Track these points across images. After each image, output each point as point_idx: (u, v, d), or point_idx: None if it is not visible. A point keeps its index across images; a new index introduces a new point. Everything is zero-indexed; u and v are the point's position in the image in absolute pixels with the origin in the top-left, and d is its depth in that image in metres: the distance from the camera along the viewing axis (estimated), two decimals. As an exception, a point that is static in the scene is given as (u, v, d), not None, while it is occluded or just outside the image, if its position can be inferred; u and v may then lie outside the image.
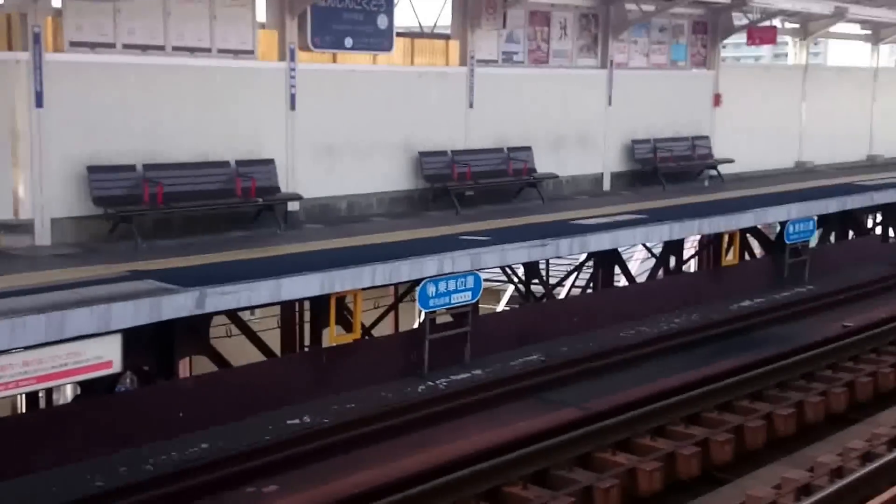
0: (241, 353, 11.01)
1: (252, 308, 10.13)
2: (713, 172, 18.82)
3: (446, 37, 15.10)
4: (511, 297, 19.59)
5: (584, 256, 15.85)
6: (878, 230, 20.20)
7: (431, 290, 10.03)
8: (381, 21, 13.39)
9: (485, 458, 7.83)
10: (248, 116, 12.33)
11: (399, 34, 14.20)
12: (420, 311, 10.56)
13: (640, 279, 18.07)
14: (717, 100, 19.16)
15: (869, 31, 23.51)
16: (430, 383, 9.94)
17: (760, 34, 18.77)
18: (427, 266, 10.16)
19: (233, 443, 8.30)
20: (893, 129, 23.92)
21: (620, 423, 8.74)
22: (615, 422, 8.74)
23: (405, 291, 12.94)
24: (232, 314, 10.38)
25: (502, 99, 15.37)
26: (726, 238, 14.60)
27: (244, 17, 12.46)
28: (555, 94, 16.31)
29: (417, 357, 10.20)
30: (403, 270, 10.07)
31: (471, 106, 14.87)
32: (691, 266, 19.02)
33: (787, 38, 22.90)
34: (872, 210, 19.14)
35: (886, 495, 6.73)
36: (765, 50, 45.48)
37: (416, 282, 10.25)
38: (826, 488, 7.22)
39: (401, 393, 9.63)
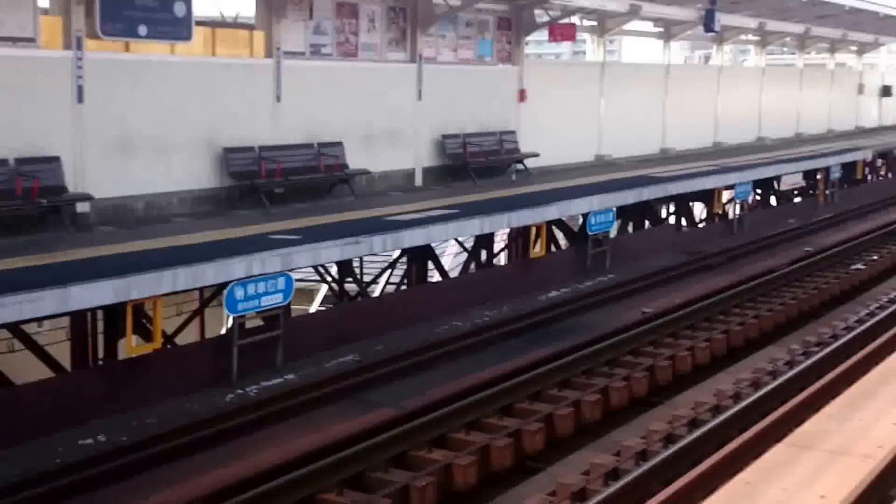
0: (30, 369, 10.11)
1: (37, 320, 9.28)
2: (520, 167, 19.28)
3: (250, 27, 14.56)
4: (325, 296, 19.26)
5: (397, 253, 15.75)
6: (672, 219, 21.46)
7: (239, 293, 9.58)
8: (179, 8, 12.69)
9: (299, 466, 7.57)
10: (30, 110, 11.34)
11: (199, 23, 13.53)
12: (228, 316, 10.06)
13: (454, 274, 18.23)
14: (521, 95, 19.63)
15: (661, 29, 24.86)
16: (240, 391, 9.50)
17: (561, 31, 19.41)
18: (234, 268, 9.70)
19: (15, 469, 7.55)
20: (684, 124, 25.48)
21: (435, 419, 8.72)
22: (430, 419, 8.70)
23: (211, 296, 12.35)
24: (14, 327, 9.48)
25: (311, 93, 15.00)
26: (533, 231, 14.93)
27: (23, 1, 11.45)
28: (365, 88, 16.13)
29: (226, 364, 9.72)
30: (208, 273, 9.56)
31: (278, 100, 14.42)
32: (502, 259, 19.42)
33: (586, 36, 23.80)
34: (666, 200, 20.25)
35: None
36: (565, 47, 47.41)
37: (224, 285, 9.76)
38: (632, 472, 7.46)
39: (208, 404, 9.13)
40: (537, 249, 15.25)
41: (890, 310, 13.13)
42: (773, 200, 25.08)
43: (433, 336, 11.99)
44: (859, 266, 17.11)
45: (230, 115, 13.72)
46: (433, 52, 17.67)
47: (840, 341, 11.41)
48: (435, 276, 16.44)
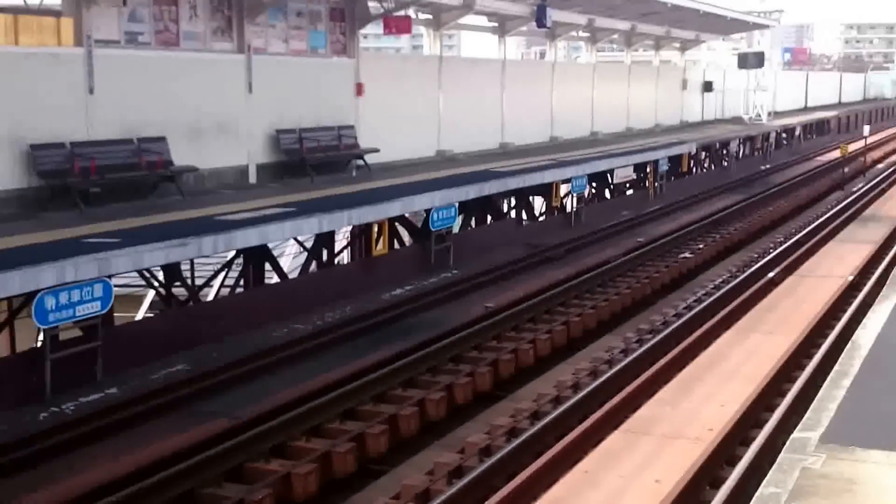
0: None
1: None
2: (360, 162, 18.96)
3: (57, 13, 13.47)
4: (153, 302, 18.22)
5: (232, 254, 15.09)
6: (514, 214, 21.72)
7: (50, 302, 8.80)
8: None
9: (122, 487, 6.99)
10: None
11: (-1, 9, 12.41)
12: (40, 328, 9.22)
13: (294, 274, 17.70)
14: (359, 89, 19.30)
15: (496, 24, 25.13)
16: (55, 409, 8.72)
17: (396, 24, 19.21)
18: (43, 276, 8.89)
19: None
20: (522, 119, 25.89)
21: (273, 427, 8.31)
22: (268, 427, 8.28)
23: (20, 306, 11.33)
24: None
25: (128, 84, 14.06)
26: (375, 228, 14.67)
27: None
28: (189, 79, 15.33)
29: (38, 380, 8.91)
30: (13, 282, 8.72)
31: (91, 92, 13.43)
32: (344, 258, 19.04)
33: (423, 29, 23.72)
34: (507, 195, 20.45)
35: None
36: (406, 41, 47.45)
37: (32, 295, 8.94)
38: (476, 469, 7.33)
39: (17, 424, 8.33)
40: (380, 247, 14.99)
41: (715, 296, 13.69)
42: (607, 193, 25.88)
43: (272, 340, 11.50)
44: (687, 254, 17.85)
45: (36, 108, 12.62)
46: (262, 42, 17.05)
47: (670, 328, 11.78)
48: (274, 278, 15.88)
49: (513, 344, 11.31)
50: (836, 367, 5.67)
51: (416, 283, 14.82)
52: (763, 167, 34.71)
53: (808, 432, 4.65)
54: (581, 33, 29.27)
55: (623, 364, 9.96)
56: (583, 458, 7.21)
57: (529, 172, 19.42)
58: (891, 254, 15.22)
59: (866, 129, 33.60)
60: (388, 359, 10.46)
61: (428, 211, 15.73)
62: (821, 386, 5.88)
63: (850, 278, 14.35)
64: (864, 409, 4.97)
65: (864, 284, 13.86)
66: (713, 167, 33.43)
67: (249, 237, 12.09)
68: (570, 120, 28.64)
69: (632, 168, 24.40)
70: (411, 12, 20.27)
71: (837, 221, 20.96)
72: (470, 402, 9.80)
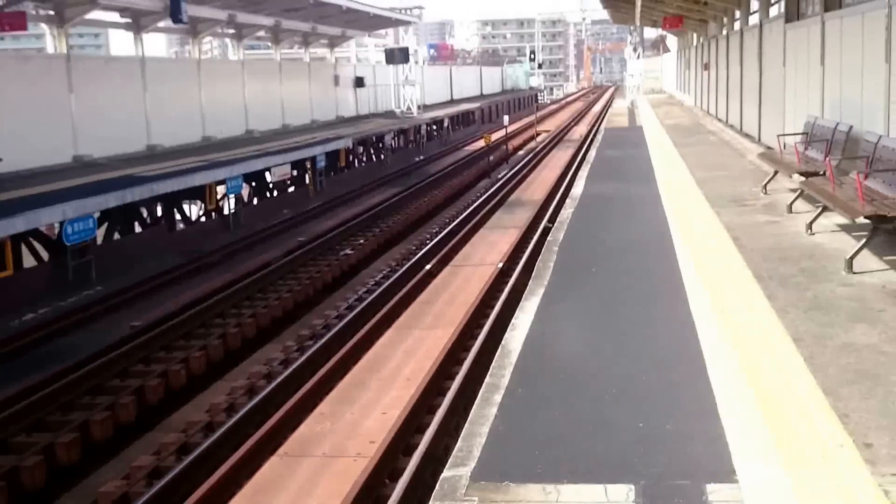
0: None
1: None
2: (-23, 173, 16.59)
3: None
4: None
5: None
6: (179, 220, 20.29)
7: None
8: None
9: None
10: None
11: None
12: None
13: None
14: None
15: (130, 20, 23.33)
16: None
17: (10, 20, 17.00)
18: None
19: None
20: (170, 119, 24.36)
21: None
22: None
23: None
24: None
25: None
26: (-4, 247, 12.79)
27: None
28: None
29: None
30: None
31: None
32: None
33: (44, 27, 21.38)
34: (156, 200, 19.01)
35: None
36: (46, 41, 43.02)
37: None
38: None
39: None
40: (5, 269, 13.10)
41: (376, 293, 13.59)
42: (271, 192, 25.20)
43: None
44: (348, 251, 17.70)
45: None
46: None
47: (332, 331, 11.42)
48: None
49: (162, 366, 10.29)
50: (487, 379, 5.46)
51: (52, 305, 13.18)
52: (417, 158, 35.98)
53: (458, 469, 4.22)
54: (227, 30, 28.18)
55: (282, 378, 9.39)
56: (236, 492, 6.53)
57: (178, 176, 18.17)
58: (534, 238, 16.11)
59: (506, 118, 35.97)
60: (9, 399, 9.01)
61: (62, 223, 14.06)
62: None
63: (500, 265, 14.96)
64: (516, 432, 4.62)
65: (514, 270, 14.52)
66: (371, 161, 34.00)
67: None
68: (223, 118, 27.52)
69: (289, 166, 23.90)
70: (30, 7, 18.05)
71: (486, 208, 22.02)
72: (111, 438, 8.69)
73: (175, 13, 20.60)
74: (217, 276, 15.23)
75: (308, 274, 15.57)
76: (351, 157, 32.81)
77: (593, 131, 39.05)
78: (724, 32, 26.26)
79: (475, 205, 22.85)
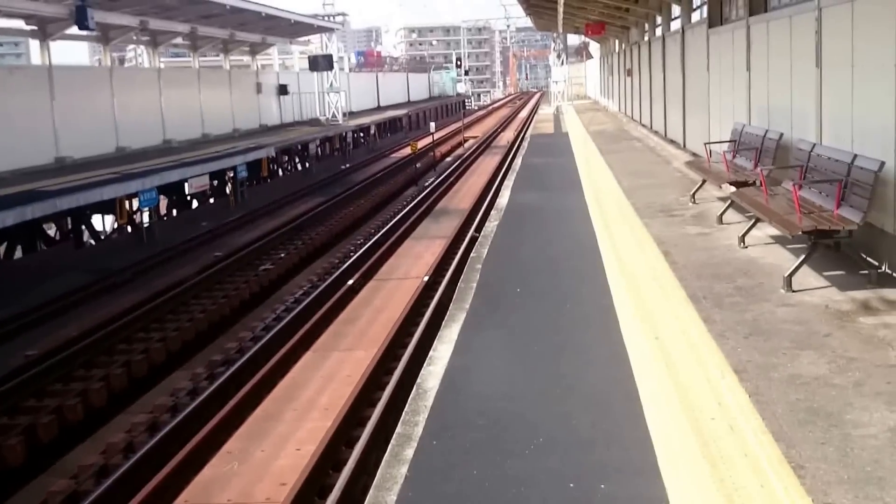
0: None
1: None
2: None
3: None
4: None
5: None
6: (94, 235, 19.20)
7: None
8: None
9: None
10: None
11: None
12: None
13: None
14: None
15: (35, 27, 22.11)
16: None
17: None
18: None
19: None
20: (81, 129, 23.22)
21: None
22: None
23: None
24: None
25: None
26: None
27: None
28: None
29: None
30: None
31: None
32: None
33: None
34: (61, 216, 17.95)
35: None
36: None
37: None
38: None
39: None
40: None
41: (295, 311, 12.92)
42: (189, 204, 24.20)
43: None
44: (268, 266, 16.95)
45: None
46: None
47: (246, 356, 10.72)
48: None
49: (57, 400, 9.45)
50: (398, 428, 4.85)
51: (-59, 335, 12.16)
52: (343, 167, 35.25)
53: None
54: (141, 37, 27.05)
55: (187, 411, 8.66)
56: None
57: (85, 189, 17.14)
58: (459, 252, 15.60)
59: (432, 125, 35.48)
60: None
61: (-48, 245, 13.03)
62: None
63: (426, 279, 14.41)
64: (429, 499, 4.05)
65: (440, 284, 13.98)
66: (295, 170, 33.15)
67: None
68: (139, 128, 26.38)
69: (207, 177, 22.97)
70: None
71: (413, 218, 21.47)
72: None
73: (81, 20, 19.54)
74: (125, 297, 14.33)
75: (224, 292, 14.79)
76: (274, 167, 31.95)
77: (520, 137, 38.85)
78: (647, 38, 26.25)
79: (401, 214, 22.28)
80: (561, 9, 26.13)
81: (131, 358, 11.13)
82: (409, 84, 70.15)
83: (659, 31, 23.93)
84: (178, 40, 29.89)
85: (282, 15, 29.60)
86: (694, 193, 12.02)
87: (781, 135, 9.95)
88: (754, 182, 9.63)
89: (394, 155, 40.38)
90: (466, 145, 43.50)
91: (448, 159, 39.61)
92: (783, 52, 10.44)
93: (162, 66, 29.54)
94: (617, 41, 37.38)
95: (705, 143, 12.27)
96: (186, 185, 22.15)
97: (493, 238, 10.57)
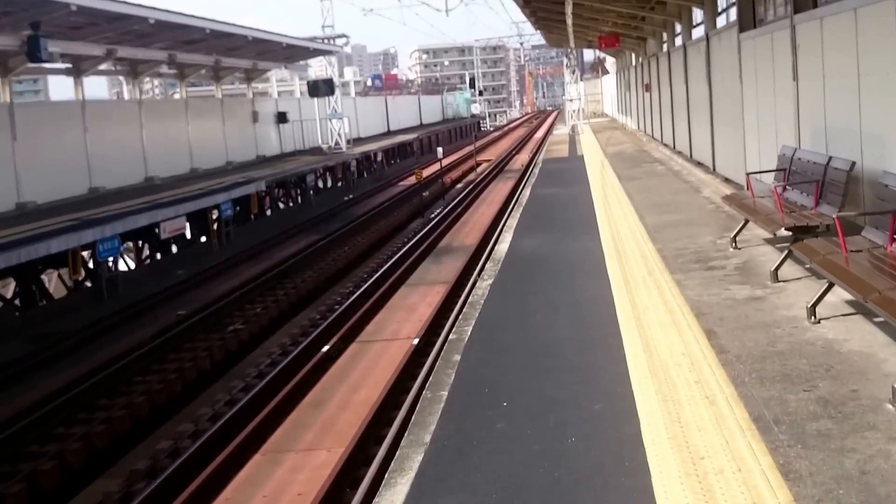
0: None
1: None
2: None
3: None
4: None
5: None
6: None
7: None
8: None
9: None
10: None
11: None
12: None
13: None
14: None
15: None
16: None
17: None
18: None
19: None
20: (50, 171, 21.28)
21: None
22: None
23: None
24: None
25: None
26: None
27: None
28: None
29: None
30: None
31: None
32: None
33: None
34: (4, 274, 15.82)
35: None
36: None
37: None
38: None
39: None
40: None
41: (253, 391, 10.65)
42: (166, 250, 22.07)
43: None
44: (238, 326, 14.69)
45: None
46: None
47: (176, 462, 8.45)
48: None
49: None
50: None
51: None
52: (346, 198, 33.12)
53: None
54: (118, 66, 25.07)
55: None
56: None
57: (28, 244, 14.99)
58: (456, 308, 13.21)
59: (440, 150, 33.25)
60: None
61: None
62: None
63: (415, 342, 12.10)
64: None
65: (431, 349, 11.66)
66: (293, 203, 31.02)
67: None
68: (116, 166, 24.37)
69: (184, 218, 20.82)
70: None
71: (412, 258, 19.20)
72: None
73: (33, 52, 17.55)
74: (59, 374, 12.11)
75: (179, 363, 12.55)
76: (270, 201, 29.83)
77: (535, 160, 36.58)
78: (665, 49, 23.91)
79: (400, 254, 20.02)
80: (570, 20, 23.87)
81: (39, 466, 8.90)
82: (420, 107, 68.13)
83: (679, 41, 21.58)
84: (164, 69, 27.92)
85: (273, 38, 27.53)
86: (735, 236, 9.63)
87: (853, 164, 7.56)
88: (827, 227, 7.27)
89: (402, 183, 38.18)
90: (479, 170, 41.22)
91: (459, 185, 37.37)
92: (847, 55, 8.09)
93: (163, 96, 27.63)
94: (633, 54, 35.05)
95: (748, 174, 9.85)
96: (160, 228, 19.99)
97: (482, 307, 8.24)
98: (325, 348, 12.30)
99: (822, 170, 7.95)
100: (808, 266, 7.54)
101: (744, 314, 6.78)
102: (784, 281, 7.61)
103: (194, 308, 15.88)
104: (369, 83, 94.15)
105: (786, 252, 7.65)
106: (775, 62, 10.85)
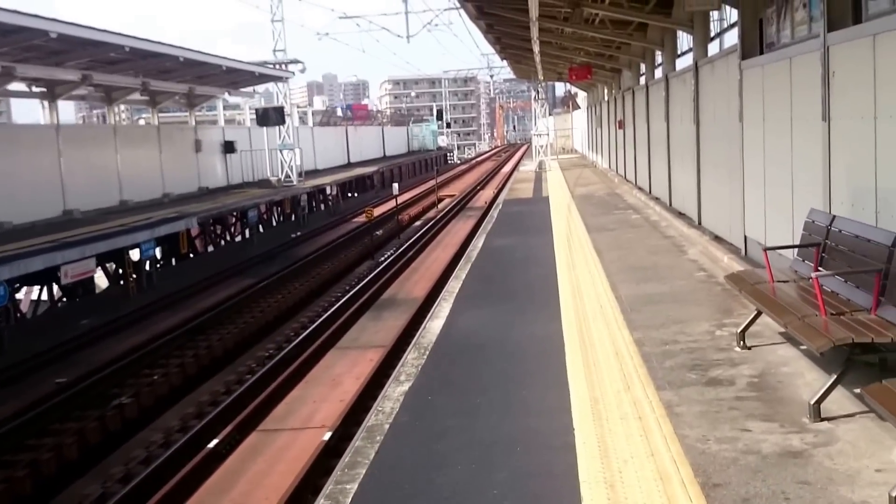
0: None
1: None
2: None
3: None
4: None
5: None
6: None
7: None
8: None
9: None
10: None
11: None
12: None
13: None
14: None
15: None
16: None
17: None
18: None
19: None
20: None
21: None
22: None
23: None
24: None
25: None
26: None
27: None
28: None
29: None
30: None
31: None
32: None
33: None
34: None
35: None
36: None
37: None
38: None
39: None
40: None
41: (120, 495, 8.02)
42: (71, 295, 19.28)
43: None
44: (125, 399, 12.01)
45: None
46: None
47: None
48: None
49: None
50: None
51: None
52: (294, 235, 30.50)
53: None
54: (34, 87, 22.38)
55: None
56: None
57: None
58: (388, 382, 10.68)
59: (395, 186, 30.76)
60: None
61: None
62: None
63: (327, 437, 9.54)
64: None
65: (347, 447, 9.09)
66: (233, 241, 28.35)
67: None
68: (29, 197, 21.64)
69: (93, 261, 18.08)
70: None
71: (349, 312, 16.65)
72: None
73: None
74: None
75: (34, 454, 9.91)
76: (206, 239, 27.15)
77: (498, 198, 34.23)
78: (643, 82, 21.70)
79: (337, 306, 17.44)
80: (537, 47, 21.58)
81: None
82: (384, 138, 65.73)
83: (660, 72, 19.34)
84: (90, 90, 25.24)
85: (210, 61, 24.94)
86: (744, 331, 7.13)
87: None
88: (891, 342, 4.83)
89: (357, 220, 35.61)
90: (440, 206, 38.80)
91: (418, 223, 34.91)
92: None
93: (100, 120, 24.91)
94: (605, 88, 32.94)
95: (765, 249, 7.32)
96: (60, 272, 17.20)
97: (379, 446, 5.68)
98: (212, 444, 9.68)
99: (885, 252, 5.48)
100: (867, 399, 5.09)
101: (780, 490, 4.29)
102: (830, 419, 5.15)
103: (81, 372, 13.22)
104: (339, 113, 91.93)
105: (833, 379, 5.19)
106: (794, 95, 8.51)
